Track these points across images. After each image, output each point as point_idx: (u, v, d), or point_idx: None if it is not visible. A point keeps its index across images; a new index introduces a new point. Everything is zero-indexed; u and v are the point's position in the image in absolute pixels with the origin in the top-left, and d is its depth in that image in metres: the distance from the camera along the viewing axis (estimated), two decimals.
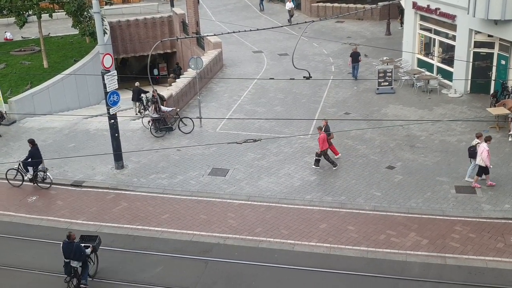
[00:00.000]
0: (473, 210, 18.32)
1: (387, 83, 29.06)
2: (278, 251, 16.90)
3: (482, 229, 17.31)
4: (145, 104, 28.43)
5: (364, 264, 16.13)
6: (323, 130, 21.43)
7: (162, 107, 25.17)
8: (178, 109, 26.12)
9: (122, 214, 19.30)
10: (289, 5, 44.42)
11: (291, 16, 44.47)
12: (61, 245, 15.46)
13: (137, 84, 29.59)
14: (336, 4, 47.17)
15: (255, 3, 52.83)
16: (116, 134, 22.00)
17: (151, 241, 17.73)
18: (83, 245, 15.66)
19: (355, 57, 31.22)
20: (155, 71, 45.75)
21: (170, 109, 25.45)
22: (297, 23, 32.00)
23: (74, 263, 15.44)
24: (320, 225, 17.93)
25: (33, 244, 18.04)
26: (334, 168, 21.46)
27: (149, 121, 25.39)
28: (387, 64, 30.78)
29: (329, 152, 21.87)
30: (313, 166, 21.72)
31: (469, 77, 27.75)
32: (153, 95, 25.63)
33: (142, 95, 28.82)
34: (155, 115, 24.96)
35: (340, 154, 22.41)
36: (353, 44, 32.97)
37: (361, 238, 17.18)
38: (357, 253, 16.59)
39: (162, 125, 25.17)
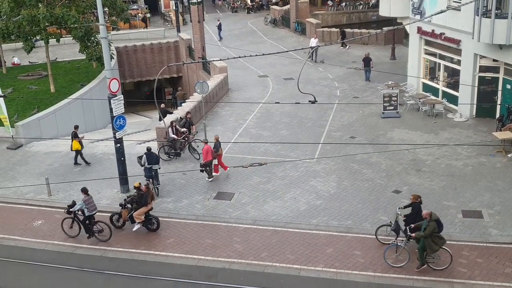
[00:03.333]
0: (480, 235, 18.17)
1: (393, 107, 29.10)
2: (284, 276, 16.76)
3: (489, 254, 17.14)
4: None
5: None
6: (213, 146, 22.85)
7: (170, 133, 25.22)
8: (190, 136, 25.75)
9: (127, 238, 19.23)
10: (314, 41, 40.54)
11: (315, 52, 40.55)
12: (145, 156, 21.74)
13: (162, 105, 30.13)
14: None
15: (260, 28, 53.41)
16: (122, 158, 22.04)
17: (156, 266, 17.64)
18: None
19: (367, 62, 35.33)
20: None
21: (174, 136, 25.32)
22: (302, 48, 32.21)
23: (156, 166, 21.71)
24: (327, 250, 17.80)
25: (38, 268, 17.97)
26: (208, 179, 22.84)
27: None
28: (392, 89, 30.88)
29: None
30: (206, 179, 22.82)
31: (475, 102, 27.76)
32: (186, 117, 25.94)
33: (168, 115, 28.87)
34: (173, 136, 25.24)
35: (228, 169, 23.35)
36: (357, 68, 33.72)
37: (368, 263, 17.03)
38: (364, 278, 16.43)
39: (171, 150, 25.20)
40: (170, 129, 25.29)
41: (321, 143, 26.04)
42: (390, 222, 17.59)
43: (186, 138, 25.53)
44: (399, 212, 17.40)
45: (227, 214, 20.37)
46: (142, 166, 22.32)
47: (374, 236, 17.97)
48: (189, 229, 19.55)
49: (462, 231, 18.44)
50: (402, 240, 16.81)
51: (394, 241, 16.89)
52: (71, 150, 25.20)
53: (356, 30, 47.00)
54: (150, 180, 21.80)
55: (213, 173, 23.06)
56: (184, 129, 25.64)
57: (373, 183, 22.11)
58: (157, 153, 22.74)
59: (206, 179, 22.91)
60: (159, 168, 22.09)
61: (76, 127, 25.53)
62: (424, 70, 31.77)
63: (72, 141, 24.88)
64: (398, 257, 16.84)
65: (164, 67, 26.75)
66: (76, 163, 25.35)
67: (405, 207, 17.66)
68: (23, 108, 32.56)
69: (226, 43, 47.15)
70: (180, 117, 26.86)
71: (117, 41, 45.13)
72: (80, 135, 25.28)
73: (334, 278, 16.54)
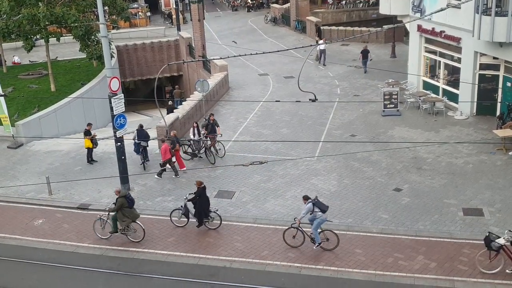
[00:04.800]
0: (481, 233, 18.11)
1: (393, 105, 29.10)
2: (285, 275, 16.77)
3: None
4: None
5: None
6: (170, 141, 23.23)
7: (190, 133, 25.07)
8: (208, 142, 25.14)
9: (126, 237, 19.22)
10: (321, 43, 38.57)
11: (322, 56, 39.23)
12: (136, 132, 23.74)
13: (170, 103, 30.23)
14: (341, 27, 47.67)
15: (260, 27, 53.39)
16: (123, 157, 22.04)
17: (156, 265, 17.65)
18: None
19: (365, 54, 36.21)
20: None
21: (195, 138, 25.12)
22: (303, 46, 32.28)
23: (144, 143, 23.48)
24: (327, 248, 17.79)
25: (39, 267, 17.99)
26: (174, 177, 23.18)
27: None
28: (393, 87, 30.85)
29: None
30: (155, 177, 23.25)
31: (475, 99, 27.75)
32: (209, 119, 25.31)
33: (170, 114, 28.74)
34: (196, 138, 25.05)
35: (185, 168, 23.76)
36: (358, 66, 33.80)
37: (369, 261, 17.04)
38: (365, 276, 16.44)
39: (190, 150, 25.08)
40: (191, 129, 25.10)
41: (321, 141, 26.03)
42: (181, 207, 19.31)
43: (205, 140, 25.00)
44: (186, 197, 19.25)
45: (228, 212, 20.36)
46: (133, 140, 24.00)
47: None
48: (190, 227, 19.55)
49: (463, 229, 18.45)
50: (105, 215, 18.97)
51: (99, 216, 19.12)
52: (85, 147, 25.30)
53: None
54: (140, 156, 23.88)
55: (164, 172, 23.36)
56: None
57: (374, 181, 22.11)
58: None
59: (155, 176, 23.23)
60: (147, 146, 23.99)
61: (89, 124, 25.59)
62: (424, 68, 31.75)
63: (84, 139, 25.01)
64: (103, 230, 18.98)
65: (164, 66, 26.73)
66: (91, 161, 25.41)
67: (194, 193, 19.20)
68: (24, 107, 32.57)
69: (227, 42, 47.12)
70: (204, 118, 26.71)
71: (118, 40, 45.13)
72: (92, 132, 25.32)
73: (335, 276, 16.55)
